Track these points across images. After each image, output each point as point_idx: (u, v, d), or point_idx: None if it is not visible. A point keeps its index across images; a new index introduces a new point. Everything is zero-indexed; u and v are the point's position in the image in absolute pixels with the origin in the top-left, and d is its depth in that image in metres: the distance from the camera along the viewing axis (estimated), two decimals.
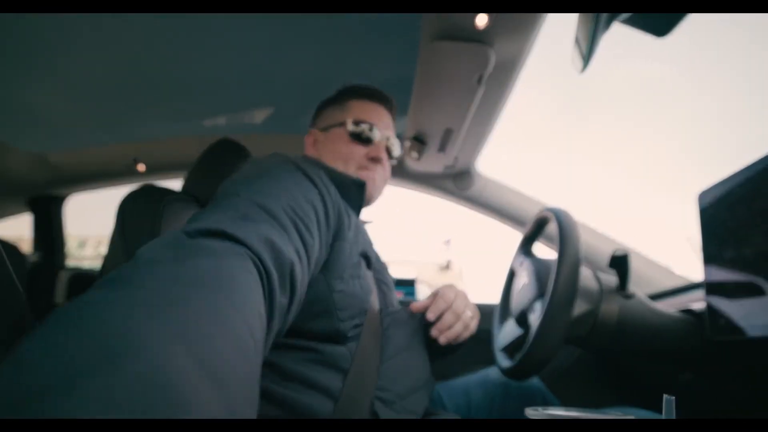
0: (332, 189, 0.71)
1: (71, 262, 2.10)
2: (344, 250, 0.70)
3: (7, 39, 1.12)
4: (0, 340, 0.85)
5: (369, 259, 0.78)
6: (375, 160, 0.87)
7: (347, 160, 0.86)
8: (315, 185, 0.67)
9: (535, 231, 0.99)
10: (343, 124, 0.88)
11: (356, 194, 0.79)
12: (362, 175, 0.86)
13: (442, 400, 1.00)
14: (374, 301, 0.76)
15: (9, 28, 1.08)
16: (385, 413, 0.67)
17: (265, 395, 0.63)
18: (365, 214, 0.85)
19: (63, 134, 1.65)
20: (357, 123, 0.87)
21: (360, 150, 0.87)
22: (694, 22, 0.58)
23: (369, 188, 0.85)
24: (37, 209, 1.93)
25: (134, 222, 0.83)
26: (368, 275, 0.77)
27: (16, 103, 1.43)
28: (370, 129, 0.87)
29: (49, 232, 1.94)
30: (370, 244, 0.85)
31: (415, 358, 0.77)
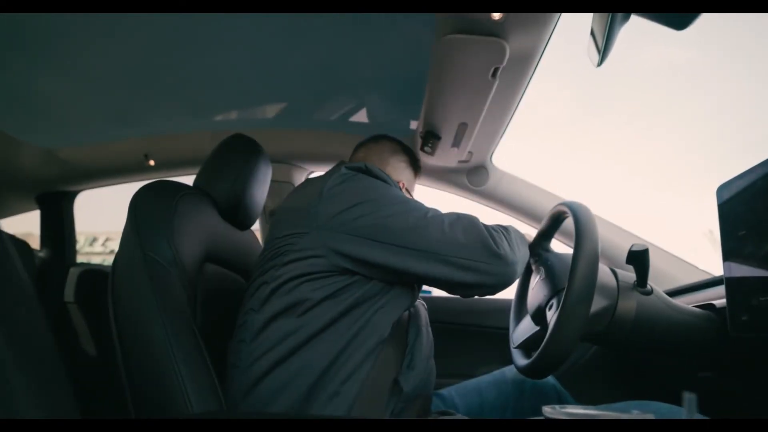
0: None
1: (80, 259, 2.10)
2: None
3: (18, 34, 1.12)
4: (10, 336, 0.85)
5: None
6: None
7: None
8: None
9: (551, 226, 0.97)
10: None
11: None
12: None
13: (454, 401, 0.99)
14: None
15: (20, 23, 1.08)
16: (406, 379, 0.79)
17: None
18: None
19: (73, 129, 1.65)
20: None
21: None
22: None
23: None
24: (47, 205, 1.94)
25: (147, 217, 0.82)
26: None
27: (26, 97, 1.43)
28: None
29: (59, 228, 1.94)
30: None
31: (430, 334, 0.91)
